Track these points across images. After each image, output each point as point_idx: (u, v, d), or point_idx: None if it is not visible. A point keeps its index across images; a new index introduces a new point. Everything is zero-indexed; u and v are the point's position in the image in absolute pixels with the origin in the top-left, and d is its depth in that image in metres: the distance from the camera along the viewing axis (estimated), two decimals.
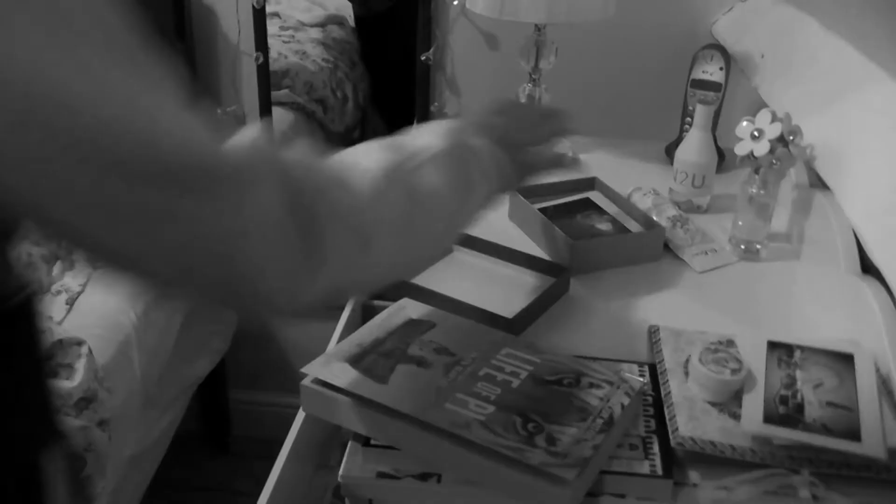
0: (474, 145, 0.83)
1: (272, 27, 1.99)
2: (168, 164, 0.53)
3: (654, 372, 0.93)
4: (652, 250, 1.17)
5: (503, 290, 1.09)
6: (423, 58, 1.86)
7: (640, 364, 0.95)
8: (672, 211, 1.25)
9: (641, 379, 0.87)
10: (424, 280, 1.11)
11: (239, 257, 0.59)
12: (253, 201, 0.59)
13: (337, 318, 1.19)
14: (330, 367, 0.83)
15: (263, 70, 1.93)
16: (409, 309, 0.95)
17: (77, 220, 0.53)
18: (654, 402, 0.89)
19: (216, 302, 0.71)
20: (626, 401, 0.82)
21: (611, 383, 0.84)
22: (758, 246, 1.21)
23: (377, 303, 1.16)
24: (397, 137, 0.82)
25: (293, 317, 0.68)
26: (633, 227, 1.23)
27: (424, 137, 0.82)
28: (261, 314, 0.69)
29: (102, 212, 0.52)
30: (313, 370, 0.83)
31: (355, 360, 0.85)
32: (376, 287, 0.79)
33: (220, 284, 0.61)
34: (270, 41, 1.96)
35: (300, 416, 0.89)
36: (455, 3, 1.81)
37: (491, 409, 0.78)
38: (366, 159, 0.75)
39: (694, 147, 1.31)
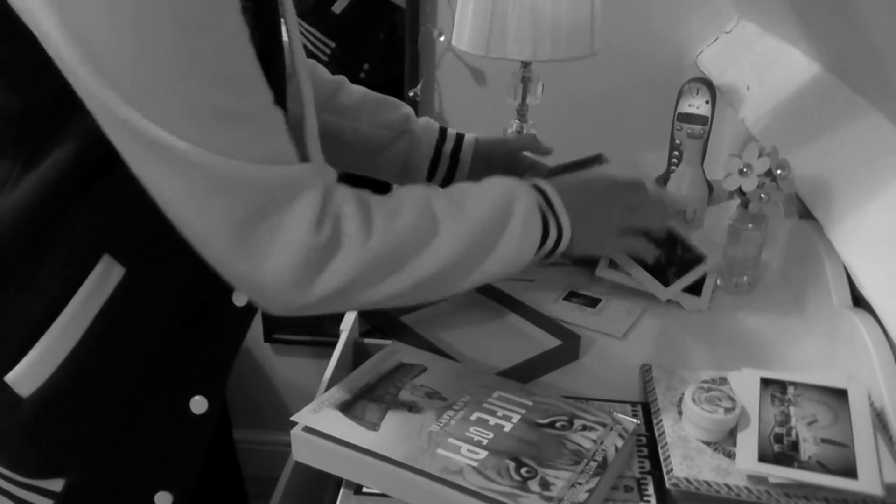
0: (520, 206, 0.88)
1: None
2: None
3: (648, 411, 0.93)
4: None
5: (511, 344, 1.07)
6: (410, 94, 1.86)
7: (633, 404, 0.94)
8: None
9: (635, 420, 0.86)
10: (437, 320, 1.11)
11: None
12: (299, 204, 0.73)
13: (329, 356, 1.19)
14: (320, 414, 0.83)
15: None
16: (401, 353, 0.95)
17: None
18: (649, 442, 0.88)
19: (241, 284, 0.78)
20: (620, 442, 0.82)
21: (604, 425, 0.84)
22: (748, 281, 1.20)
23: (368, 341, 1.16)
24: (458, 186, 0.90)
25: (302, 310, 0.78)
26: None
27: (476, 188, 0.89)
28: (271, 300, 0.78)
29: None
30: (303, 418, 0.82)
31: (346, 407, 0.84)
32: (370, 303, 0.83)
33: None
34: None
35: (292, 457, 0.88)
36: (441, 39, 1.82)
37: (483, 454, 0.78)
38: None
39: (685, 181, 1.31)
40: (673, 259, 1.14)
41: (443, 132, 1.23)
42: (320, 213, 0.75)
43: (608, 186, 1.02)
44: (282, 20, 0.86)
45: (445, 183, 1.24)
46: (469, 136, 1.25)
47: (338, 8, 1.96)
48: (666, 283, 1.14)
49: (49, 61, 0.67)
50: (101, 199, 0.77)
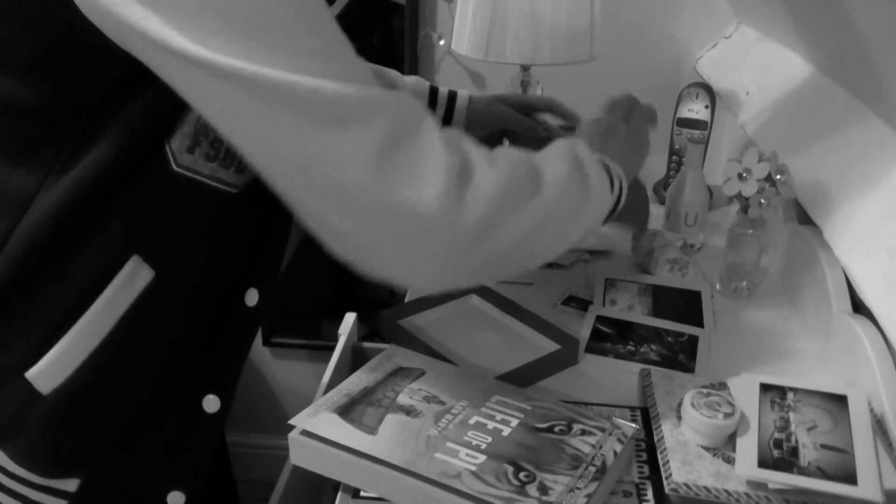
0: (587, 156, 0.86)
1: None
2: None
3: (647, 416, 0.92)
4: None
5: (510, 349, 1.07)
6: None
7: (632, 409, 0.94)
8: (673, 253, 1.25)
9: (634, 425, 0.86)
10: (435, 324, 1.10)
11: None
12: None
13: (327, 360, 1.18)
14: (318, 418, 0.82)
15: None
16: (399, 357, 0.94)
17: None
18: (648, 447, 0.88)
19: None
20: (619, 447, 0.81)
21: (603, 430, 0.84)
22: (747, 286, 1.20)
23: (367, 345, 1.16)
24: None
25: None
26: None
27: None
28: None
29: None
30: (301, 422, 0.82)
31: (344, 411, 0.83)
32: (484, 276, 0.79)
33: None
34: None
35: (290, 461, 0.88)
36: (441, 42, 1.82)
37: (482, 458, 0.77)
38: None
39: (686, 186, 1.31)
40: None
41: (433, 93, 1.20)
42: (442, 136, 0.71)
43: (621, 126, 1.04)
44: None
45: None
46: (462, 98, 1.21)
47: (333, 12, 1.96)
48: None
49: (102, 54, 0.66)
50: (135, 199, 0.77)
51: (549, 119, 1.29)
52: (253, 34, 0.64)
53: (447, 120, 1.21)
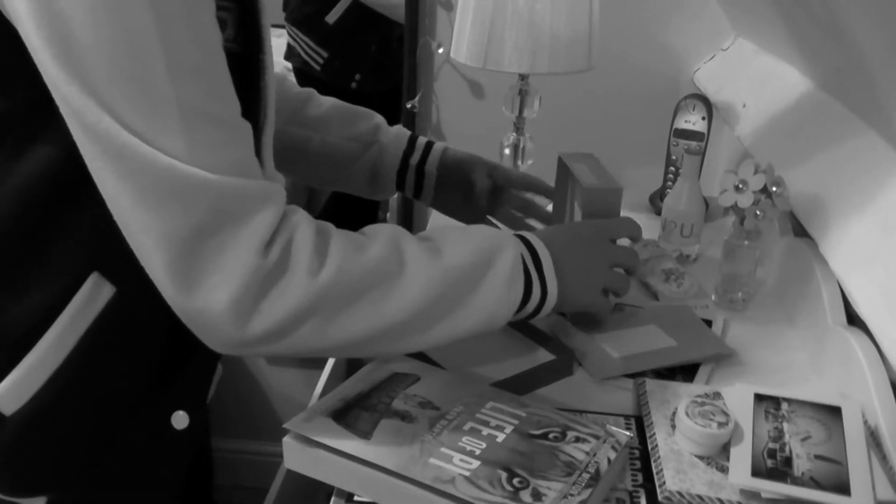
0: (502, 260, 0.84)
1: None
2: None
3: (641, 425, 0.92)
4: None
5: (505, 357, 1.06)
6: (408, 106, 1.87)
7: (627, 417, 0.94)
8: (668, 264, 1.25)
9: (628, 433, 0.86)
10: None
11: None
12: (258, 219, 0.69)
13: (322, 367, 1.18)
14: (312, 422, 0.82)
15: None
16: (394, 362, 0.94)
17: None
18: (642, 455, 0.88)
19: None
20: (613, 455, 0.82)
21: (597, 437, 0.84)
22: (743, 297, 1.21)
23: None
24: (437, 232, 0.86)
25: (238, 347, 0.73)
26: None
27: (459, 237, 0.85)
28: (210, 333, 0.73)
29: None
30: (295, 426, 0.82)
31: (339, 415, 0.83)
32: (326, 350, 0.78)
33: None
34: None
35: (284, 465, 0.88)
36: (440, 51, 1.83)
37: (476, 463, 0.77)
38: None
39: (682, 197, 1.31)
40: None
41: (412, 141, 1.19)
42: (273, 234, 0.71)
43: (597, 233, 0.98)
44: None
45: (417, 195, 1.21)
46: (437, 148, 1.21)
47: (331, 18, 1.97)
48: None
49: (31, 61, 0.66)
50: (91, 216, 0.74)
51: (531, 197, 1.26)
52: (141, 102, 0.65)
53: (421, 165, 1.20)
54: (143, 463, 0.88)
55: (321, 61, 2.02)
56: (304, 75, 2.06)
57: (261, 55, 0.79)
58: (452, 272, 0.80)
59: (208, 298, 0.69)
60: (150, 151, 0.65)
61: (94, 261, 0.78)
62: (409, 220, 1.99)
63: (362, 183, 1.20)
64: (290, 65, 2.09)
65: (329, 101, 1.18)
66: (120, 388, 0.84)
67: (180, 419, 0.88)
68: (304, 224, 0.74)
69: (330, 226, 0.78)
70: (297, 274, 0.72)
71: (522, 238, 0.89)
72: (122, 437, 0.86)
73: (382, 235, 0.80)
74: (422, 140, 1.20)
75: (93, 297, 0.79)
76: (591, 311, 1.06)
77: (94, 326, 0.79)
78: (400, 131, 1.20)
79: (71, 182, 0.73)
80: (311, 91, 1.19)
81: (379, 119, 1.20)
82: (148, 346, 0.83)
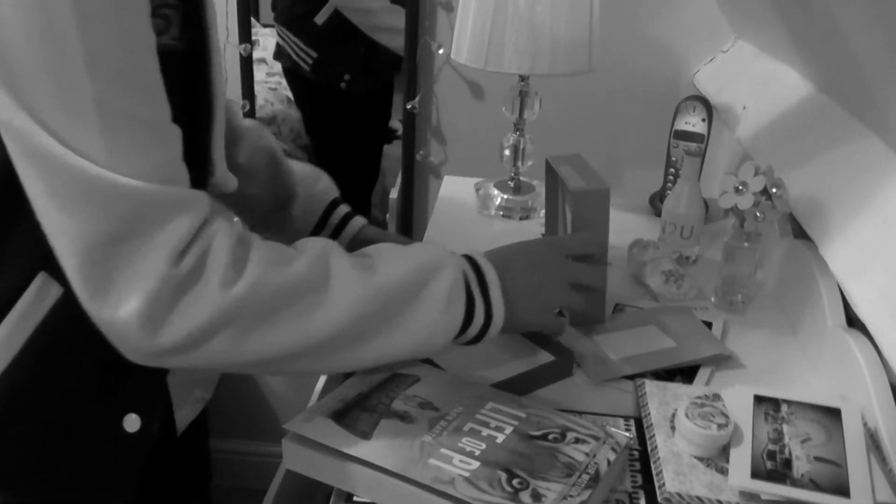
0: (440, 280, 0.82)
1: (258, 73, 2.00)
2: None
3: (640, 426, 0.92)
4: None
5: (505, 358, 1.07)
6: (408, 106, 1.87)
7: (626, 418, 0.94)
8: (668, 265, 1.25)
9: (627, 434, 0.86)
10: None
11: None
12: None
13: None
14: (312, 423, 0.82)
15: (250, 118, 1.93)
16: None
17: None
18: (641, 457, 0.88)
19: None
20: (613, 456, 0.81)
21: (597, 438, 0.84)
22: (742, 299, 1.21)
23: None
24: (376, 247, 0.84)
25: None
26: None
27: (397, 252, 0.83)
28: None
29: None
30: (295, 426, 0.82)
31: (338, 416, 0.83)
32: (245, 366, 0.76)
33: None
34: (257, 88, 1.97)
35: (283, 465, 0.88)
36: (440, 52, 1.83)
37: (476, 464, 0.77)
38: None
39: (682, 198, 1.31)
40: None
41: (326, 214, 1.15)
42: (187, 242, 0.69)
43: (551, 251, 0.96)
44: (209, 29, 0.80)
45: None
46: (352, 227, 1.16)
47: (320, 19, 1.98)
48: None
49: None
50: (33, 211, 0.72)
51: None
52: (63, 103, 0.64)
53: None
54: (96, 465, 0.87)
55: (310, 62, 2.02)
56: (294, 75, 2.07)
57: (208, 54, 0.78)
58: (384, 289, 0.78)
59: (118, 306, 0.68)
60: (64, 153, 0.64)
61: (40, 260, 0.76)
62: (409, 220, 2.00)
63: (278, 232, 1.16)
64: (279, 65, 2.10)
65: (263, 149, 1.14)
66: (70, 389, 0.83)
67: (132, 422, 0.86)
68: (223, 234, 0.72)
69: (254, 237, 0.76)
70: (210, 285, 0.70)
71: (470, 258, 0.88)
72: (74, 438, 0.84)
73: (310, 250, 0.78)
74: (338, 214, 1.15)
75: (40, 296, 0.77)
76: (542, 331, 1.03)
77: (41, 326, 0.78)
78: (313, 200, 1.15)
79: (15, 179, 0.71)
80: (250, 129, 1.14)
81: (300, 184, 1.15)
82: (95, 347, 0.77)
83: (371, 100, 2.13)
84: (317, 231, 1.16)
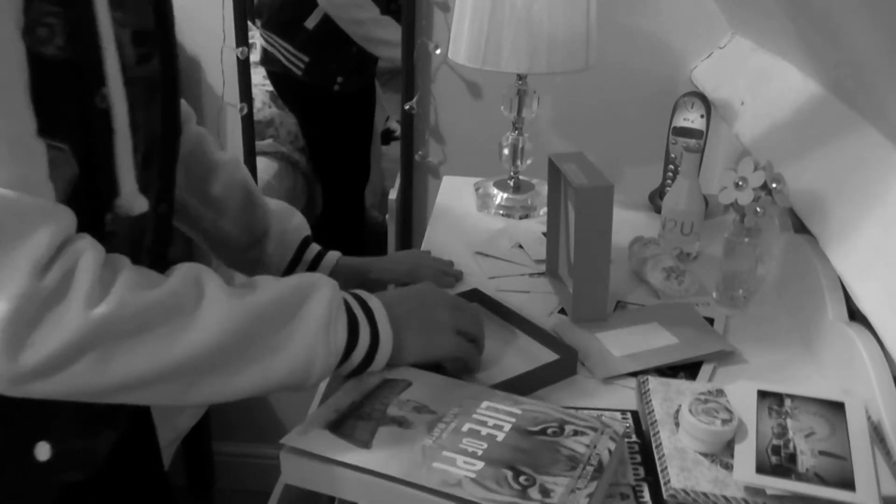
0: (316, 300, 0.81)
1: (256, 76, 2.00)
2: None
3: (637, 418, 0.93)
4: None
5: (507, 357, 1.06)
6: (406, 107, 1.87)
7: (623, 412, 0.95)
8: (669, 262, 1.25)
9: (624, 422, 0.86)
10: None
11: None
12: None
13: None
14: (309, 435, 0.81)
15: (248, 121, 1.93)
16: (383, 369, 0.94)
17: None
18: (642, 450, 0.89)
19: None
20: (613, 446, 0.82)
21: (595, 429, 0.84)
22: (744, 295, 1.21)
23: None
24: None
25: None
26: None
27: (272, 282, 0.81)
28: None
29: None
30: (292, 440, 0.80)
31: (334, 426, 0.82)
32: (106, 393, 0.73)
33: None
34: (254, 91, 1.96)
35: (282, 480, 0.86)
36: (438, 52, 1.83)
37: (480, 464, 0.77)
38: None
39: (682, 195, 1.31)
40: None
41: (301, 250, 1.13)
42: (51, 256, 0.67)
43: (440, 296, 0.97)
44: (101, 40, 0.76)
45: None
46: (328, 260, 1.15)
47: (310, 23, 1.99)
48: None
49: None
50: None
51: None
52: None
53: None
54: (8, 495, 0.84)
55: (302, 66, 2.03)
56: (285, 79, 2.07)
57: (101, 66, 0.75)
58: (257, 309, 0.77)
59: None
60: None
61: None
62: (409, 221, 2.00)
63: (247, 273, 1.15)
64: (265, 70, 2.11)
65: (237, 180, 1.12)
66: None
67: (43, 451, 0.84)
68: (90, 252, 0.70)
69: (124, 260, 0.74)
70: (75, 303, 0.67)
71: (351, 292, 0.87)
72: None
73: (182, 272, 0.76)
74: (312, 250, 1.14)
75: None
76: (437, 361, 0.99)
77: None
78: (286, 237, 1.13)
79: None
80: (226, 162, 1.12)
81: (274, 220, 1.14)
82: None
83: (359, 97, 2.14)
84: (292, 267, 1.15)
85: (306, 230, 1.15)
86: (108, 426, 0.92)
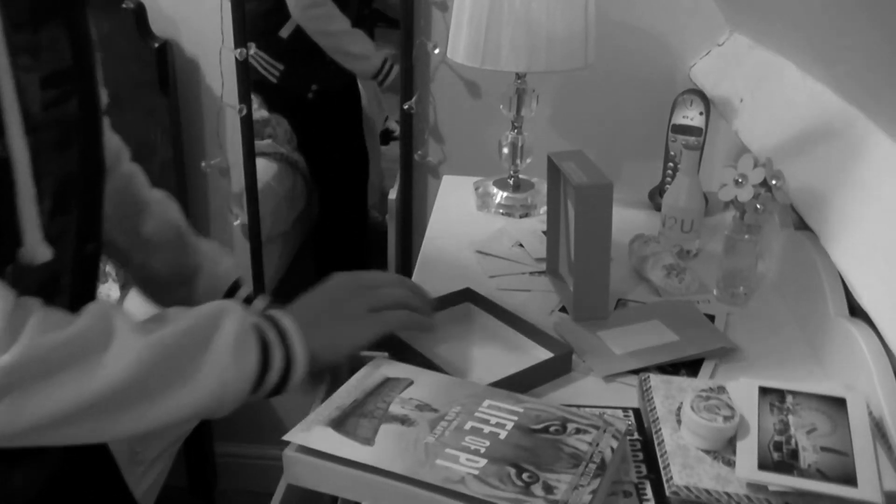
0: (227, 326, 0.81)
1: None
2: None
3: (639, 416, 0.93)
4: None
5: (503, 356, 1.06)
6: (405, 107, 1.87)
7: (625, 409, 0.95)
8: (669, 259, 1.25)
9: (626, 420, 0.86)
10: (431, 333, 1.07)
11: None
12: None
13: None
14: (311, 432, 0.81)
15: (247, 122, 1.93)
16: (385, 368, 0.94)
17: None
18: (644, 447, 0.89)
19: None
20: (615, 444, 0.82)
21: (597, 427, 0.84)
22: (744, 291, 1.21)
23: (364, 353, 1.15)
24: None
25: None
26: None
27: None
28: None
29: None
30: (296, 437, 0.80)
31: (337, 424, 0.82)
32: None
33: None
34: (253, 92, 1.96)
35: (284, 480, 0.86)
36: (436, 51, 1.83)
37: (483, 462, 0.77)
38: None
39: (682, 192, 1.31)
40: None
41: (230, 293, 1.11)
42: None
43: (343, 279, 0.97)
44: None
45: None
46: (255, 306, 1.12)
47: (285, 33, 2.01)
48: None
49: None
50: None
51: None
52: None
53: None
54: None
55: (278, 74, 2.05)
56: (263, 86, 2.07)
57: None
58: (166, 341, 0.77)
59: None
60: None
61: None
62: (409, 221, 2.00)
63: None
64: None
65: (169, 221, 1.10)
66: None
67: (18, 478, 0.84)
68: (1, 297, 0.70)
69: (34, 303, 0.73)
70: None
71: (266, 315, 0.87)
72: None
73: (91, 312, 0.76)
74: (241, 295, 1.12)
75: None
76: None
77: None
78: (217, 283, 1.11)
79: None
80: (157, 201, 1.10)
81: (205, 261, 1.11)
82: None
83: (340, 97, 2.16)
84: None
85: (236, 273, 1.14)
86: (23, 464, 0.89)
